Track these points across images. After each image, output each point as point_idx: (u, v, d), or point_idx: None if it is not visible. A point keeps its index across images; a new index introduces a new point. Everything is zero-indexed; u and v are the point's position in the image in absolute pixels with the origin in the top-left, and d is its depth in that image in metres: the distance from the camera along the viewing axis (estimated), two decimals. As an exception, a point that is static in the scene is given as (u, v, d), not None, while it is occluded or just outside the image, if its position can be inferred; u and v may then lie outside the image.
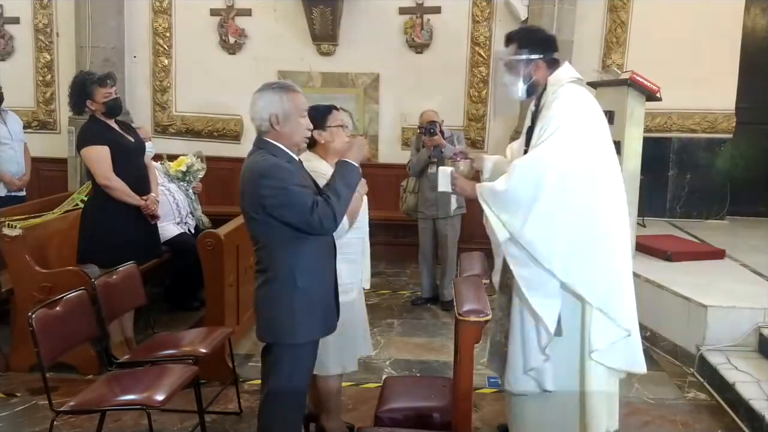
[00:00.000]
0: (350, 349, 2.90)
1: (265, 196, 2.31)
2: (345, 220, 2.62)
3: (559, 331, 2.63)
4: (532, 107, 2.83)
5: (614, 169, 2.63)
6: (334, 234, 2.58)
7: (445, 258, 5.02)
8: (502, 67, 2.79)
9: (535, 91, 2.74)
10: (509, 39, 2.77)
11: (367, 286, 3.05)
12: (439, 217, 4.92)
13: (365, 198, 2.84)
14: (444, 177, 2.84)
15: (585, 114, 2.58)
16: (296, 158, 2.48)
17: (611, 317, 2.56)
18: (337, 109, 2.87)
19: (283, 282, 2.41)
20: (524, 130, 2.88)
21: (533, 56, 2.69)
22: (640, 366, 2.68)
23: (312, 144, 2.77)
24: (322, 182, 2.50)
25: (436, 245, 5.10)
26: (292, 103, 2.42)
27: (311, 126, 2.53)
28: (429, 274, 5.18)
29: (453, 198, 4.73)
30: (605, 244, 2.56)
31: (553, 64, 2.72)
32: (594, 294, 2.56)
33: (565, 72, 2.70)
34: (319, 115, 2.79)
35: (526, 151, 2.72)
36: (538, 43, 2.72)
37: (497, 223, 2.61)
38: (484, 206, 2.65)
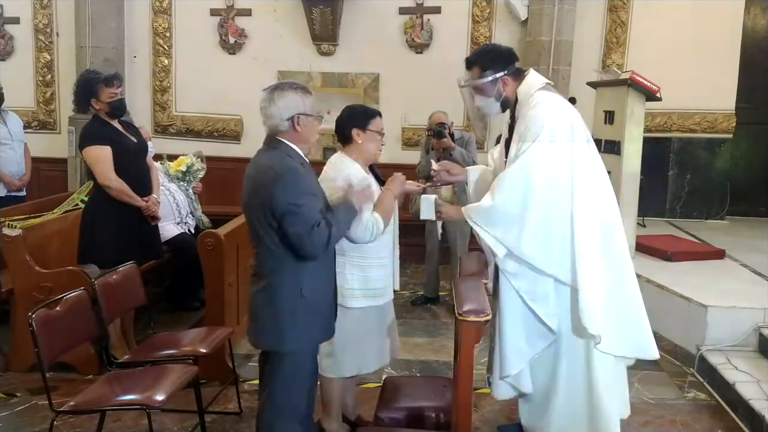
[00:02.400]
0: (373, 352, 2.90)
1: (278, 200, 2.29)
2: (381, 222, 2.66)
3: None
4: (507, 119, 2.87)
5: (593, 165, 2.65)
6: (370, 237, 2.62)
7: (457, 261, 4.96)
8: (472, 91, 2.83)
9: (509, 105, 2.79)
10: (471, 63, 2.81)
11: (397, 287, 3.06)
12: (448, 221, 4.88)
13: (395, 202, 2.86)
14: (427, 205, 2.88)
15: (558, 119, 2.60)
16: (307, 161, 2.47)
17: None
18: (380, 116, 2.88)
19: (287, 289, 2.39)
20: (502, 142, 2.92)
21: (498, 74, 2.73)
22: (650, 352, 2.70)
23: (345, 141, 2.79)
24: (353, 181, 2.54)
25: (443, 248, 5.07)
26: (311, 104, 2.43)
27: (320, 127, 2.54)
28: (433, 276, 5.16)
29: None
30: (586, 240, 2.58)
31: (519, 76, 2.77)
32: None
33: (532, 80, 2.75)
34: (364, 116, 2.81)
35: (506, 163, 2.76)
36: (498, 60, 2.77)
37: (492, 241, 2.65)
38: (475, 227, 2.69)
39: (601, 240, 2.62)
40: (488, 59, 2.76)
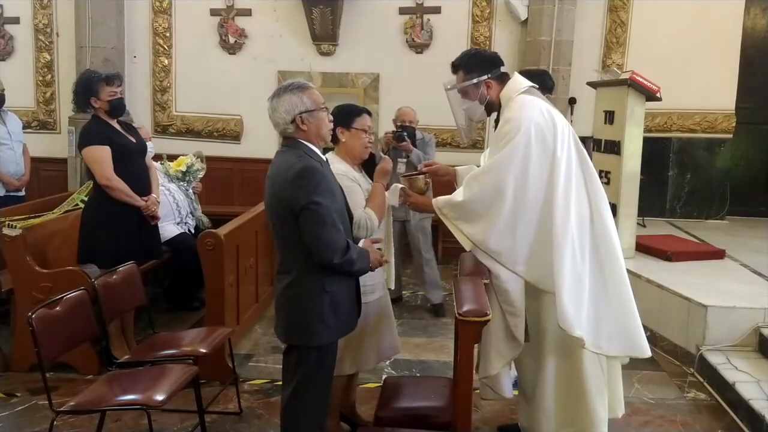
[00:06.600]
0: (368, 348, 2.91)
1: (296, 197, 2.31)
2: (374, 217, 2.68)
3: (526, 337, 2.74)
4: (494, 122, 2.91)
5: (577, 166, 2.65)
6: (366, 233, 2.64)
7: (421, 262, 4.95)
8: (457, 95, 2.85)
9: (494, 108, 2.82)
10: (455, 67, 2.83)
11: (392, 286, 3.07)
12: (407, 220, 4.84)
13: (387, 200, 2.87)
14: (393, 191, 2.91)
15: (534, 122, 2.60)
16: (324, 158, 2.50)
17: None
18: (369, 114, 2.88)
19: (310, 285, 2.41)
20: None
21: (482, 77, 2.76)
22: (641, 350, 2.69)
23: (334, 141, 2.80)
24: (342, 180, 2.57)
25: (405, 249, 5.05)
26: (311, 99, 2.44)
27: (332, 118, 2.57)
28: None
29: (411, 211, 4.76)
30: (563, 242, 2.58)
31: (503, 80, 2.79)
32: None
33: (514, 84, 2.77)
34: (348, 115, 2.81)
35: None
36: (482, 63, 2.79)
37: (459, 235, 2.69)
38: (444, 220, 2.73)
39: (590, 240, 2.63)
40: (472, 63, 2.79)
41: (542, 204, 2.60)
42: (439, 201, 2.75)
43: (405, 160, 4.66)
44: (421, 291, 5.34)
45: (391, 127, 4.95)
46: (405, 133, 4.66)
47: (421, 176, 2.98)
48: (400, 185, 2.93)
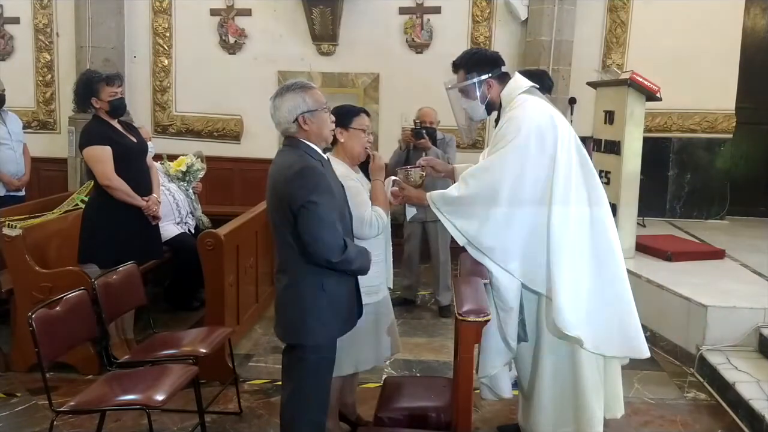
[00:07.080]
0: (370, 349, 2.91)
1: (295, 196, 2.31)
2: (383, 214, 2.71)
3: (524, 337, 2.74)
4: (494, 122, 2.91)
5: (577, 167, 2.65)
6: (378, 231, 2.67)
7: (438, 262, 4.96)
8: (457, 94, 2.85)
9: (494, 108, 2.81)
10: (456, 66, 2.83)
11: (390, 285, 3.07)
12: (428, 220, 4.81)
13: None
14: (387, 185, 2.92)
15: (534, 122, 2.61)
16: (326, 158, 2.51)
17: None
18: (367, 113, 2.88)
19: (309, 284, 2.42)
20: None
21: (483, 76, 2.76)
22: (640, 351, 2.69)
23: (332, 142, 2.80)
24: (345, 181, 2.58)
25: (423, 250, 5.07)
26: (314, 99, 2.44)
27: (333, 119, 2.57)
28: (410, 279, 5.15)
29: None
30: (562, 242, 2.58)
31: (504, 79, 2.79)
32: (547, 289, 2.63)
33: (515, 84, 2.77)
34: (345, 115, 2.81)
35: None
36: (483, 63, 2.79)
37: (452, 230, 2.70)
38: (438, 213, 2.74)
39: (590, 240, 2.63)
40: (473, 62, 2.79)
41: (539, 204, 2.60)
42: (433, 195, 2.75)
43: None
44: (422, 291, 5.34)
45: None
46: (423, 130, 4.67)
47: (417, 169, 2.98)
48: (394, 177, 2.94)
